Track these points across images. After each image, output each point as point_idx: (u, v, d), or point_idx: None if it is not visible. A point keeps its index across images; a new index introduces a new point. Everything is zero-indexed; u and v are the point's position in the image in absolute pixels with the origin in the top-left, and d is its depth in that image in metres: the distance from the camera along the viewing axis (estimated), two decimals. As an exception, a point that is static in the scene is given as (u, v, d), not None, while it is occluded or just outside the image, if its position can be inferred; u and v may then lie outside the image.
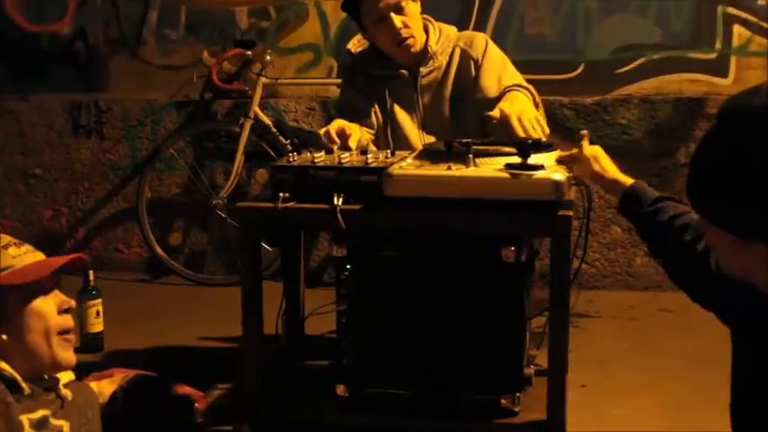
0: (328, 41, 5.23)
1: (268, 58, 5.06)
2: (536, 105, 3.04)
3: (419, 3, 3.20)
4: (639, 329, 4.34)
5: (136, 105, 5.49)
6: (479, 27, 4.92)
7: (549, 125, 3.08)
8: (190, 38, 5.41)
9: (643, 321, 4.48)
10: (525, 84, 3.15)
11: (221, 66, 5.19)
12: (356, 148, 2.89)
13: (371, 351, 2.77)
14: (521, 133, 2.77)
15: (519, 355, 2.75)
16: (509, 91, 3.04)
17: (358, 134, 2.98)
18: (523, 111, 2.84)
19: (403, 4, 3.12)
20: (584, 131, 2.58)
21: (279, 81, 5.16)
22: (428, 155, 2.70)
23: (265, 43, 5.26)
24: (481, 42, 3.23)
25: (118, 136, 5.53)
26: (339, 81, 4.68)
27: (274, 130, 5.06)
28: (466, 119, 3.18)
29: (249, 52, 5.10)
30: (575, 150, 2.55)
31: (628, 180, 2.38)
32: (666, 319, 4.46)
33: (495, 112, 2.84)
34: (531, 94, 3.07)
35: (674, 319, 4.39)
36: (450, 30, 3.29)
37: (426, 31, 3.23)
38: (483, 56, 3.20)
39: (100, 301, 4.06)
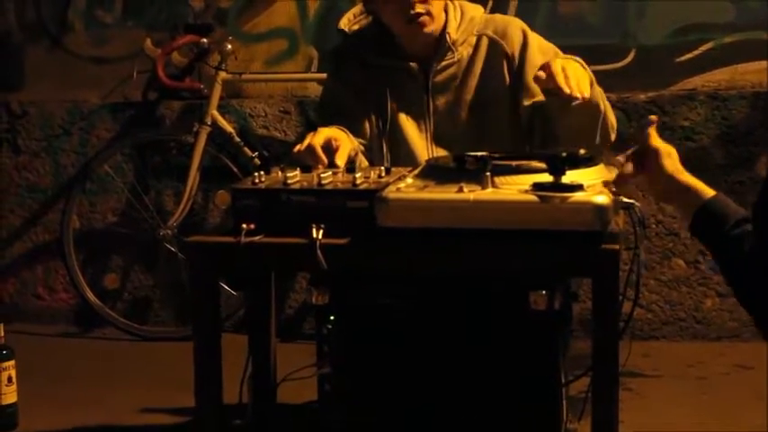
0: (306, 25, 5.24)
1: (229, 47, 5.07)
2: (592, 82, 3.01)
3: None
4: (710, 392, 4.33)
5: (60, 108, 5.50)
6: (500, 4, 4.94)
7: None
8: (128, 22, 5.43)
9: (715, 381, 4.47)
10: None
11: (169, 58, 5.20)
12: (344, 165, 2.88)
13: (363, 427, 2.76)
14: (564, 86, 2.76)
15: (554, 429, 2.74)
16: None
17: (348, 146, 2.97)
18: (569, 64, 2.85)
19: None
20: (654, 116, 2.59)
21: (243, 77, 5.17)
22: (434, 173, 2.69)
23: (226, 28, 5.28)
24: (517, 32, 3.21)
25: (36, 148, 5.54)
26: (321, 76, 4.70)
27: (238, 139, 5.06)
28: (492, 130, 3.16)
29: (205, 40, 5.11)
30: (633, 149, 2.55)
31: (708, 191, 2.38)
32: (745, 379, 4.45)
33: (540, 73, 2.85)
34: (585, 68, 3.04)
35: (756, 379, 4.37)
36: (476, 11, 3.27)
37: (445, 12, 3.22)
38: (523, 51, 3.18)
39: (12, 363, 4.04)
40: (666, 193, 2.51)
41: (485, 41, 3.22)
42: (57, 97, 5.49)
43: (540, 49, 3.20)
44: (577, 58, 3.02)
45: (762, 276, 2.18)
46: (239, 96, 5.31)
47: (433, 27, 3.16)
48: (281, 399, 3.31)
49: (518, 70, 3.17)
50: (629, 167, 2.53)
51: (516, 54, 3.18)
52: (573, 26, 4.99)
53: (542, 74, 2.83)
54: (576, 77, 2.81)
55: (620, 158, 2.61)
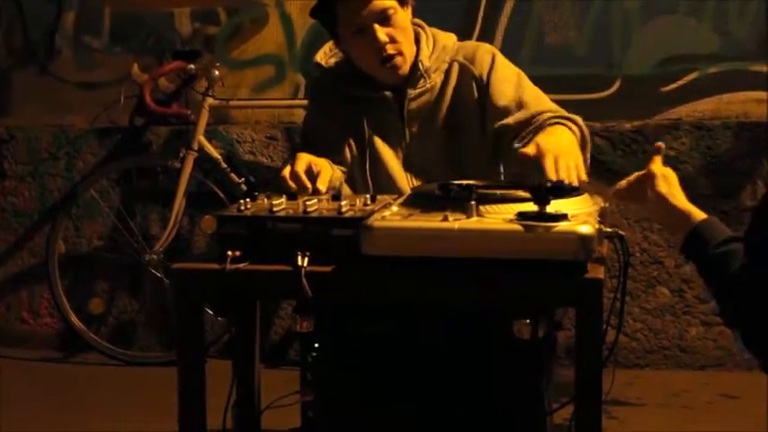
0: (293, 52, 5.26)
1: (216, 73, 5.08)
2: (584, 142, 3.04)
3: (410, 8, 3.20)
4: (695, 421, 4.33)
5: (46, 133, 5.50)
6: (487, 35, 4.97)
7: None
8: (116, 47, 5.43)
9: (699, 410, 4.47)
10: (562, 111, 3.14)
11: (156, 83, 5.21)
12: (327, 191, 2.88)
13: (347, 455, 2.75)
14: (552, 176, 2.75)
15: (538, 458, 2.74)
16: (552, 124, 3.03)
17: (329, 172, 2.97)
18: (563, 151, 2.82)
19: (390, 12, 3.10)
20: (660, 143, 2.62)
21: (230, 103, 5.18)
22: (419, 201, 2.69)
23: (213, 54, 5.29)
24: (485, 56, 3.22)
25: (22, 173, 5.54)
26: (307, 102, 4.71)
27: (224, 165, 5.07)
28: (466, 153, 3.18)
29: (192, 66, 5.13)
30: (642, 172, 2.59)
31: (700, 214, 2.41)
32: (730, 408, 4.46)
33: (531, 148, 2.82)
34: (579, 126, 3.05)
35: (740, 408, 4.38)
36: (448, 39, 3.29)
37: (417, 41, 3.23)
38: (489, 73, 3.19)
39: (-4, 388, 4.04)
40: (660, 216, 2.54)
41: (455, 67, 3.23)
42: (43, 122, 5.49)
43: (505, 72, 3.20)
44: (572, 119, 3.06)
45: (750, 297, 2.21)
46: (226, 122, 5.32)
47: (405, 67, 3.17)
48: (265, 426, 3.30)
49: (484, 90, 3.18)
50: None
51: (485, 75, 3.19)
52: (559, 56, 5.02)
53: (531, 152, 2.79)
54: (569, 170, 2.77)
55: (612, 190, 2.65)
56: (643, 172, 2.61)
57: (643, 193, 2.60)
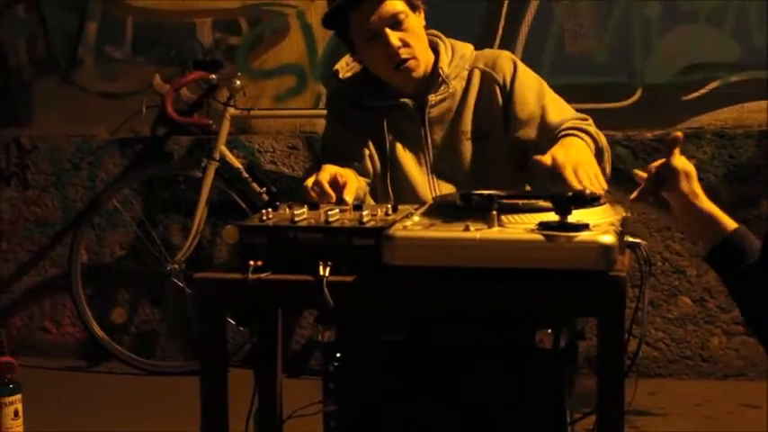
0: (315, 62, 5.27)
1: (238, 83, 5.10)
2: (600, 152, 3.05)
3: (422, 14, 3.21)
4: (717, 430, 4.31)
5: (68, 144, 5.52)
6: (507, 44, 4.97)
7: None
8: (138, 57, 5.46)
9: (721, 420, 4.45)
10: (581, 116, 3.16)
11: (178, 93, 5.22)
12: (352, 202, 2.89)
13: (368, 464, 2.76)
14: (576, 186, 2.76)
15: (559, 468, 2.74)
16: (565, 135, 3.04)
17: (354, 182, 2.97)
18: (581, 161, 2.84)
19: (401, 16, 3.11)
20: (679, 133, 2.59)
21: (252, 112, 5.20)
22: (440, 211, 2.70)
23: (235, 64, 5.30)
24: (507, 63, 3.23)
25: (45, 183, 5.56)
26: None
27: (246, 174, 5.08)
28: (492, 161, 3.18)
29: (214, 76, 5.15)
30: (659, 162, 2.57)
31: (729, 223, 2.39)
32: (752, 418, 4.44)
33: (547, 158, 2.84)
34: (593, 138, 3.07)
35: (763, 418, 4.36)
36: (466, 48, 3.30)
37: (435, 50, 3.24)
38: (512, 80, 3.20)
39: (19, 396, 4.03)
40: (681, 214, 2.52)
41: (477, 74, 3.23)
42: (66, 132, 5.52)
43: (528, 80, 3.22)
44: (586, 131, 3.06)
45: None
46: (247, 132, 5.33)
47: (419, 70, 3.18)
48: (288, 435, 3.32)
49: (508, 97, 3.19)
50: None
51: (508, 81, 3.20)
52: (580, 65, 5.02)
53: (548, 162, 2.81)
54: (589, 178, 2.80)
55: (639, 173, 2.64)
56: (661, 162, 2.57)
57: (662, 182, 2.57)
